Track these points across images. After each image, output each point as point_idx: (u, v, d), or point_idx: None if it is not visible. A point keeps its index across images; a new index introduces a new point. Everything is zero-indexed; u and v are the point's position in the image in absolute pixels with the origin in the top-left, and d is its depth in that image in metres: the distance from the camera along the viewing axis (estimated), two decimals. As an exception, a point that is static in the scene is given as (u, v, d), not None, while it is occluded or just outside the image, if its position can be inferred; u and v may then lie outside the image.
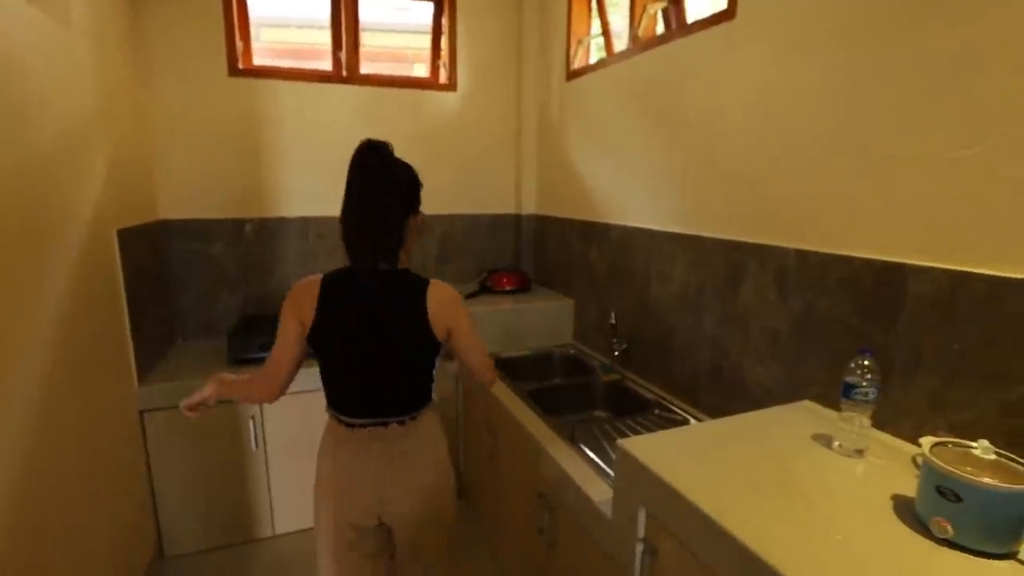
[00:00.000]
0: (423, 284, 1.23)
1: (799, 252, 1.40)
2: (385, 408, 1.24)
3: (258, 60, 2.52)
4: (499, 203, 2.92)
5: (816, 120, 1.34)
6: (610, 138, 2.21)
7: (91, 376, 1.63)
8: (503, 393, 1.99)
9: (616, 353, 2.13)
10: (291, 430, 2.20)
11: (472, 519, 2.39)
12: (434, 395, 1.32)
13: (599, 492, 1.34)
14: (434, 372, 1.30)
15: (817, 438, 1.20)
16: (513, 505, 1.89)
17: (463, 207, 2.86)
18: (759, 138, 1.50)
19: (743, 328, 1.59)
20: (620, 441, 1.18)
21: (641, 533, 1.13)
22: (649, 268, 2.00)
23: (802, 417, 1.31)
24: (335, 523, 1.28)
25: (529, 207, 2.90)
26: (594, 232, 2.34)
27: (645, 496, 1.11)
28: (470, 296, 2.58)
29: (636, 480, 1.12)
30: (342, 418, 1.25)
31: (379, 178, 1.19)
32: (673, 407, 1.81)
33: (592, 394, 2.12)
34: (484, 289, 2.65)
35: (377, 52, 2.97)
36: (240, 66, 2.43)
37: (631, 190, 2.10)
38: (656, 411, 1.82)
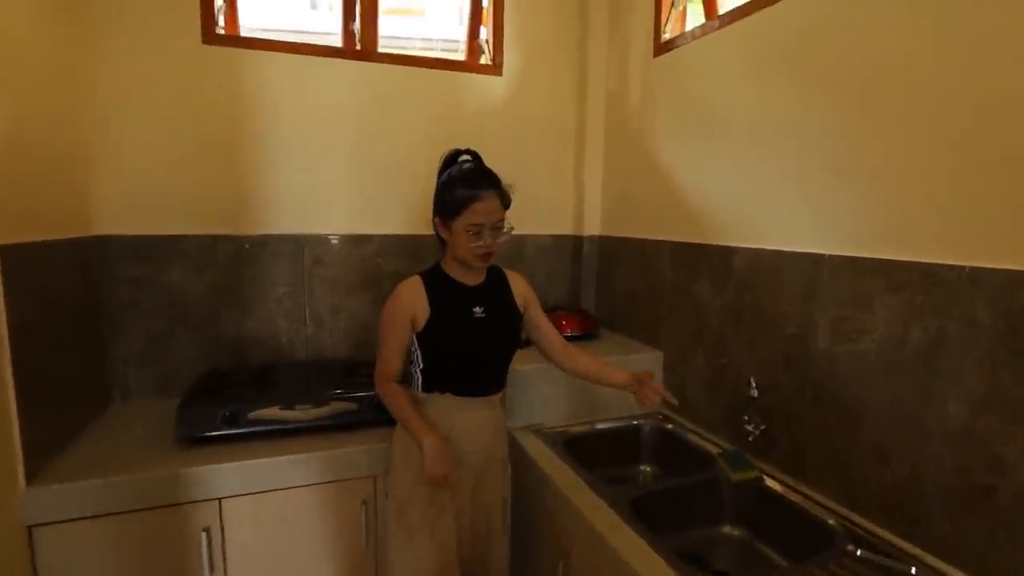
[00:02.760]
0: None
1: None
2: None
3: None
4: (553, 220, 2.26)
5: None
6: (728, 126, 1.57)
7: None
8: (582, 498, 1.30)
9: (751, 438, 1.43)
10: (263, 538, 1.49)
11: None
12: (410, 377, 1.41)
13: None
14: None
15: None
16: None
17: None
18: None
19: (1048, 424, 0.90)
20: None
21: None
22: (812, 311, 1.31)
23: None
24: None
25: (593, 226, 2.24)
26: (702, 258, 1.67)
27: None
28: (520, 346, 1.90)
29: None
30: None
31: None
32: (880, 542, 1.11)
33: (717, 500, 1.41)
34: (539, 335, 1.98)
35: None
36: (219, 31, 1.81)
37: (770, 197, 1.44)
38: (850, 548, 1.11)
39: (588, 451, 1.63)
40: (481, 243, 1.25)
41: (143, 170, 1.75)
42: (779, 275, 1.40)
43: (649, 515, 1.23)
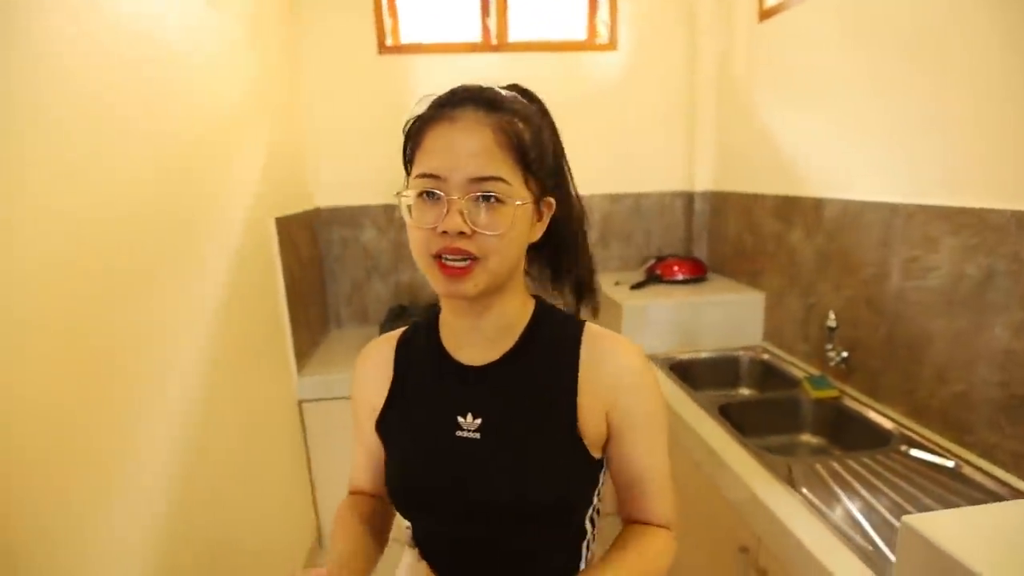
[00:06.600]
0: None
1: None
2: None
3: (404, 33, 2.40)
4: (667, 178, 2.52)
5: None
6: (821, 86, 1.72)
7: (252, 365, 1.60)
8: (680, 403, 1.65)
9: (832, 363, 1.66)
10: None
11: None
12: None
13: (849, 571, 0.96)
14: None
15: None
16: (691, 550, 1.55)
17: (625, 185, 2.51)
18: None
19: (1072, 344, 1.07)
20: (909, 519, 0.79)
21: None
22: (888, 254, 1.50)
23: None
24: None
25: (704, 182, 2.46)
26: (797, 209, 1.87)
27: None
28: (636, 286, 2.24)
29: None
30: None
31: None
32: (932, 446, 1.33)
33: (798, 413, 1.68)
34: (652, 278, 2.29)
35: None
36: (389, 43, 2.31)
37: (856, 152, 1.60)
38: (903, 447, 1.35)
39: (692, 374, 1.96)
40: (432, 226, 0.59)
41: (339, 156, 2.34)
42: (860, 221, 1.58)
43: (732, 419, 1.55)
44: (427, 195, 0.60)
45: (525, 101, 0.68)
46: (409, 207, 0.62)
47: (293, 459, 1.90)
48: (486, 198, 0.59)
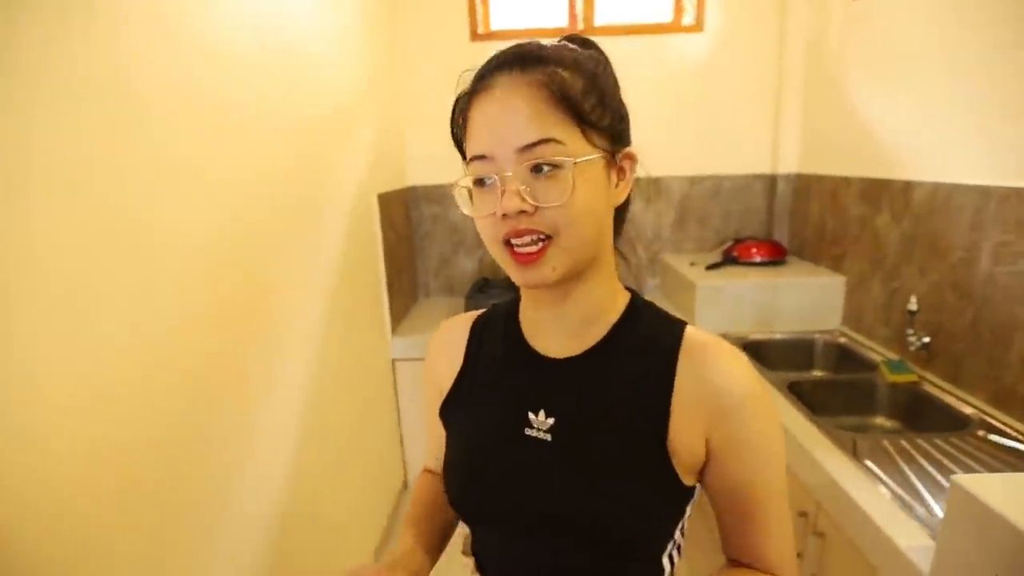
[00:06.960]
0: None
1: None
2: None
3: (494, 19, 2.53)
4: (750, 161, 2.50)
5: None
6: (914, 67, 1.67)
7: (357, 324, 1.82)
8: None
9: (913, 348, 1.65)
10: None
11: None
12: None
13: (902, 531, 1.01)
14: None
15: None
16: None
17: (706, 167, 2.52)
18: None
19: None
20: (959, 478, 0.84)
21: (990, 612, 0.80)
22: (977, 239, 1.47)
23: None
24: None
25: (788, 165, 2.43)
26: (884, 192, 1.83)
27: (1005, 564, 0.77)
28: (712, 267, 2.28)
29: (989, 540, 0.79)
30: None
31: None
32: (1014, 432, 1.32)
33: (873, 396, 1.68)
34: (728, 259, 2.32)
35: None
36: (480, 31, 2.46)
37: (948, 134, 1.56)
38: (980, 432, 1.34)
39: (765, 354, 1.98)
40: (492, 211, 0.54)
41: (432, 137, 2.50)
42: (950, 205, 1.55)
43: (804, 398, 1.59)
44: (479, 170, 0.55)
45: (576, 47, 0.59)
46: (471, 193, 0.57)
47: (387, 411, 2.14)
48: (540, 167, 0.53)
